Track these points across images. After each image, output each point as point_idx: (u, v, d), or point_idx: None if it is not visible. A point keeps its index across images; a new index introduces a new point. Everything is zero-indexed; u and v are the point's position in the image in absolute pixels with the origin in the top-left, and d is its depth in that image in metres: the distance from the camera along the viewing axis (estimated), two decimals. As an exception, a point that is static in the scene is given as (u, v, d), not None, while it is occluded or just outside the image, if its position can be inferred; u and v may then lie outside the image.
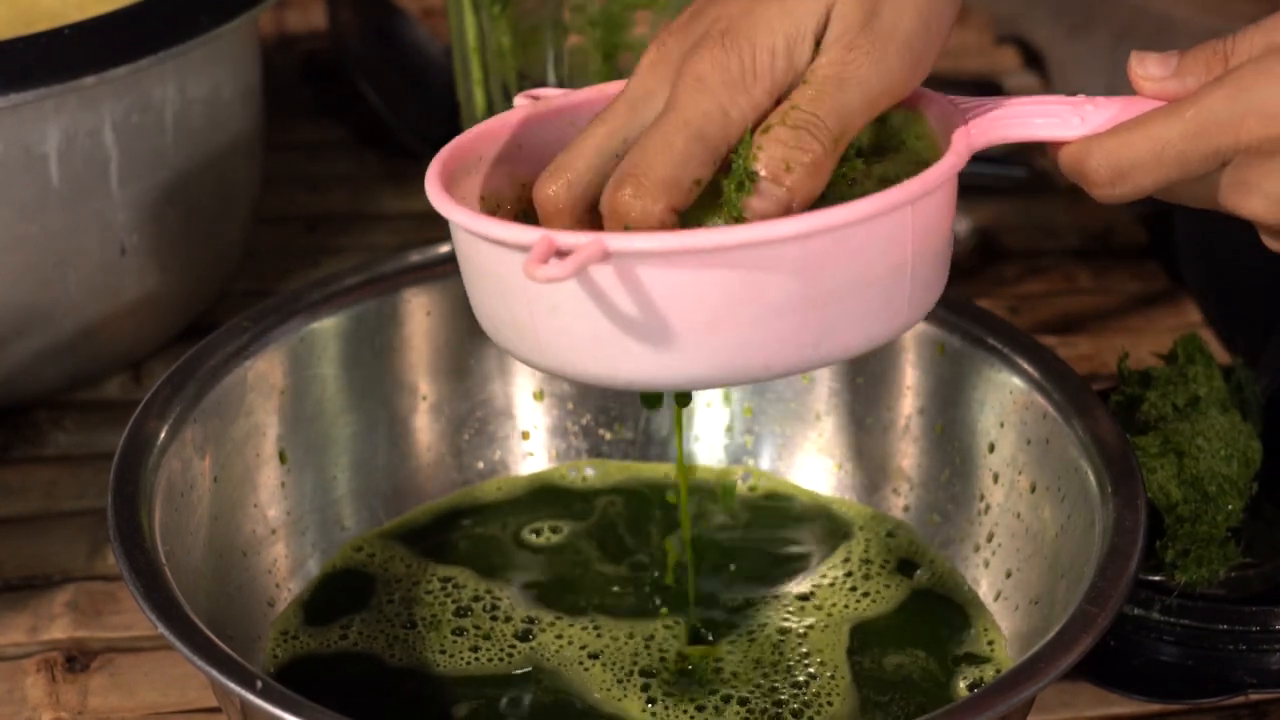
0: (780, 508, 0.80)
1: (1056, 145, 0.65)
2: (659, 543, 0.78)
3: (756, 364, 0.61)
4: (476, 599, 0.75)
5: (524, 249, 0.59)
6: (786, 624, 0.74)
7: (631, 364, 0.60)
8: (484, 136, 0.68)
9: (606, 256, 0.58)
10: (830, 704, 0.71)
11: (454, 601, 0.75)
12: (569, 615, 0.74)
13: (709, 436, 0.83)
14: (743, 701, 0.71)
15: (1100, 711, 0.75)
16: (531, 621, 0.74)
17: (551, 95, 0.69)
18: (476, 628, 0.74)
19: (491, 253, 0.61)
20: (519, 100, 0.69)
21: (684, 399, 0.76)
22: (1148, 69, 0.65)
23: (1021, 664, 0.62)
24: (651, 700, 0.71)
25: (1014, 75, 1.20)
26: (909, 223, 0.61)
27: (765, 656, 0.73)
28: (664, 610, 0.75)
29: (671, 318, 0.59)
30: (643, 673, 0.72)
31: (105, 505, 0.68)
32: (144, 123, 0.85)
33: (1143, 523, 0.67)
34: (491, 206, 0.67)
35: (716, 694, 0.71)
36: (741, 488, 0.81)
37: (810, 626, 0.74)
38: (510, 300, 0.62)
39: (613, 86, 0.69)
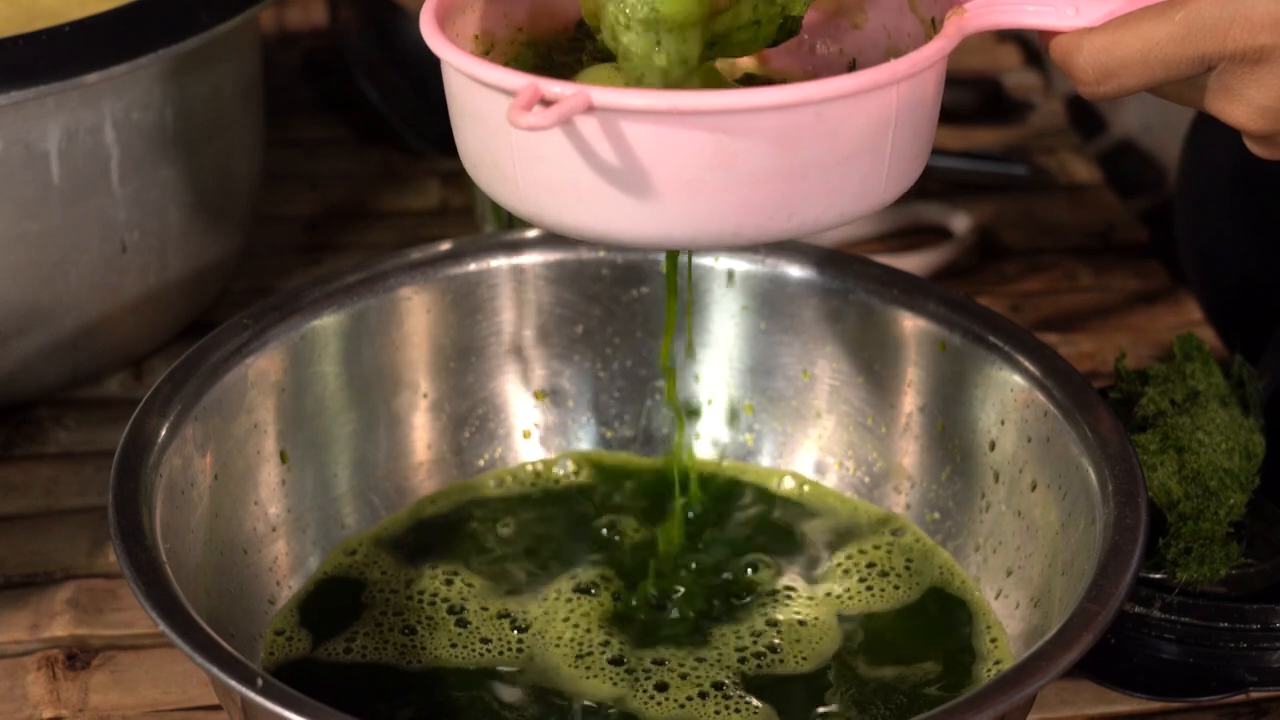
0: (780, 502, 0.80)
1: (1048, 35, 0.66)
2: (660, 534, 0.78)
3: (728, 229, 0.61)
4: (478, 594, 0.75)
5: (511, 94, 0.60)
6: (784, 616, 0.74)
7: (606, 218, 0.61)
8: None
9: (590, 109, 0.59)
10: (827, 698, 0.71)
11: (454, 597, 0.75)
12: (573, 603, 0.74)
13: (710, 434, 0.83)
14: (733, 687, 0.71)
15: (1101, 709, 0.75)
16: (536, 614, 0.74)
17: None
18: (478, 622, 0.74)
19: (480, 95, 0.62)
20: None
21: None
22: None
23: (1022, 661, 0.62)
24: (654, 684, 0.71)
25: (1014, 73, 1.20)
26: (893, 102, 0.62)
27: (762, 646, 0.73)
28: (660, 592, 0.75)
29: (649, 175, 0.60)
30: (651, 661, 0.72)
31: (106, 503, 0.68)
32: (145, 120, 0.85)
33: (1144, 520, 0.67)
34: (485, 46, 0.67)
35: (708, 677, 0.71)
36: (776, 486, 0.81)
37: (809, 620, 0.74)
38: (494, 144, 0.62)
39: None
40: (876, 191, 0.63)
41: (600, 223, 0.62)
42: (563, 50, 0.70)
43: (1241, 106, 0.63)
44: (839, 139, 0.61)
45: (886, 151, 0.62)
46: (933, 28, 0.67)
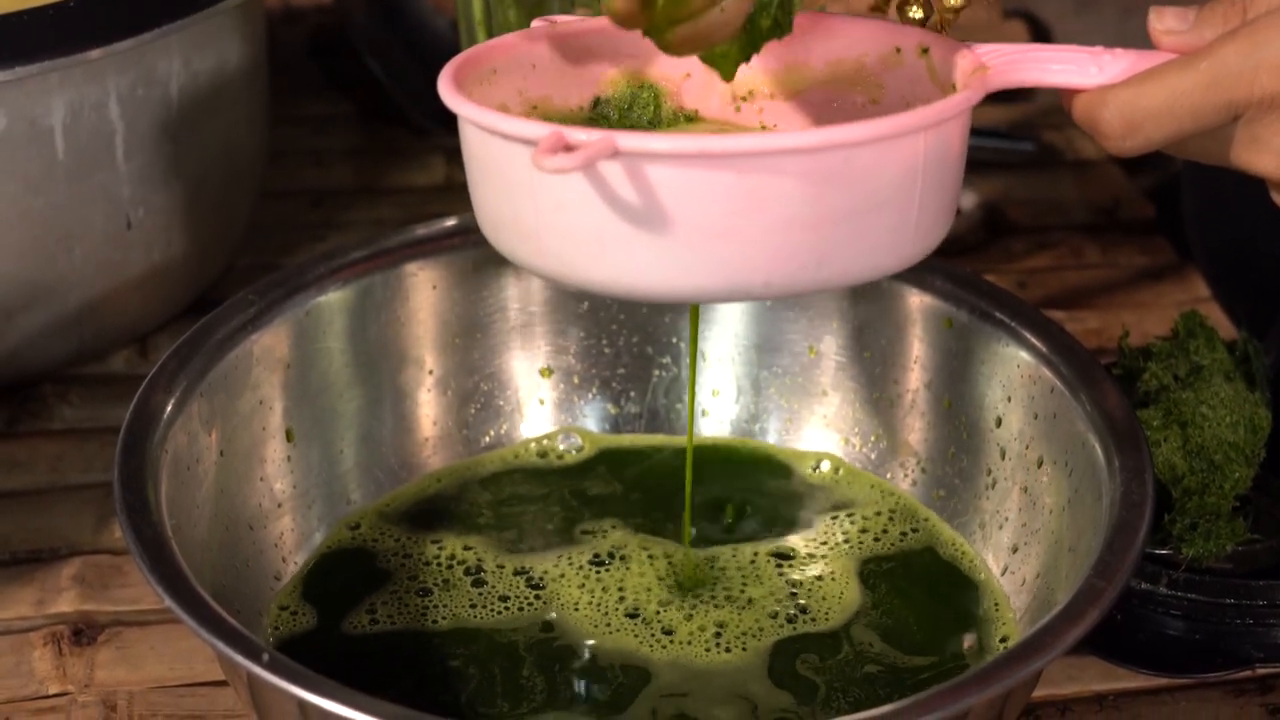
0: (785, 479, 0.80)
1: (1071, 93, 0.65)
2: (664, 507, 0.78)
3: (758, 279, 0.61)
4: (485, 565, 0.75)
5: (533, 144, 0.59)
6: (788, 593, 0.74)
7: (633, 270, 0.60)
8: (498, 50, 0.68)
9: (615, 154, 0.58)
10: (832, 676, 0.71)
11: (462, 569, 0.75)
12: (586, 572, 0.75)
13: (716, 411, 0.83)
14: (754, 644, 0.71)
15: (1107, 685, 0.75)
16: (547, 578, 0.74)
17: (568, 21, 0.70)
18: (493, 582, 0.74)
19: (500, 149, 0.61)
20: (536, 23, 0.70)
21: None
22: (1165, 22, 0.64)
23: (1028, 637, 0.62)
24: (670, 635, 0.71)
25: (1021, 50, 1.19)
26: (920, 150, 0.61)
27: (766, 618, 0.73)
28: (668, 561, 0.75)
29: (676, 223, 0.59)
30: (659, 614, 0.72)
31: (112, 479, 0.68)
32: (149, 96, 0.85)
33: (1150, 496, 0.67)
34: None
35: (722, 640, 0.71)
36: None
37: (812, 600, 0.74)
38: (516, 199, 0.62)
39: None
40: (905, 243, 0.63)
41: (627, 276, 0.61)
42: (579, 128, 0.70)
43: (1270, 156, 0.62)
44: (867, 185, 0.60)
45: (914, 201, 0.62)
46: (954, 91, 0.66)
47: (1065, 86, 0.65)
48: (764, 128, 0.72)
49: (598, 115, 0.71)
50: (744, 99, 0.71)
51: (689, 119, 0.72)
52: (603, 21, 0.69)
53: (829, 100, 0.71)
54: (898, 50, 0.69)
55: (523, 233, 0.62)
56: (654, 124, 0.71)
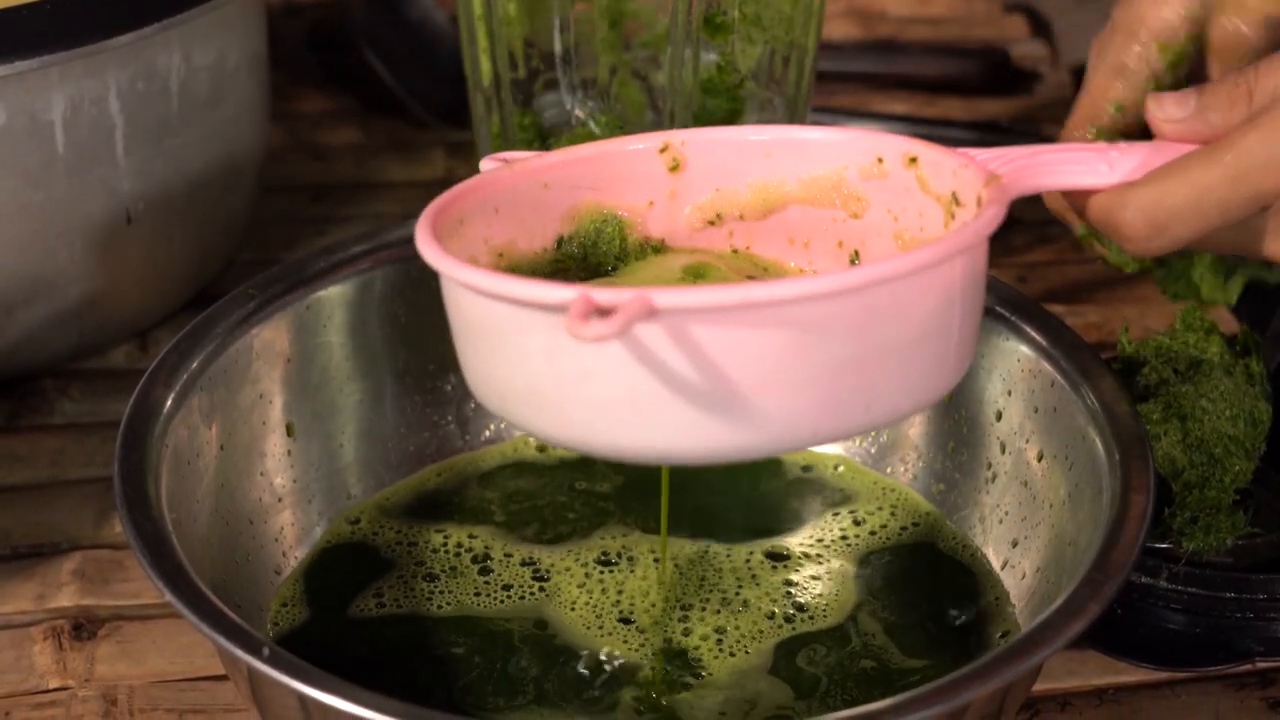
0: (785, 473, 0.80)
1: (1083, 195, 0.63)
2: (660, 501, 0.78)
3: (805, 429, 0.58)
4: (489, 558, 0.75)
5: (557, 309, 0.56)
6: (787, 590, 0.74)
7: (672, 435, 0.57)
8: (462, 198, 0.66)
9: (653, 314, 0.55)
10: (835, 668, 0.71)
11: (468, 559, 0.75)
12: (588, 568, 0.75)
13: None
14: (754, 646, 0.71)
15: (1107, 679, 0.75)
16: (546, 570, 0.74)
17: (522, 158, 0.68)
18: (500, 571, 0.74)
19: (509, 316, 0.58)
20: (486, 164, 0.68)
21: None
22: (1167, 111, 0.62)
23: (1028, 631, 0.62)
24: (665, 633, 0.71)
25: (1021, 43, 1.19)
26: (958, 275, 0.59)
27: (764, 618, 0.73)
28: (673, 563, 0.75)
29: (718, 380, 0.56)
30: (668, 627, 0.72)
31: (112, 473, 0.68)
32: (149, 90, 0.85)
33: (1150, 490, 0.67)
34: None
35: (724, 643, 0.71)
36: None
37: (811, 597, 0.74)
38: (530, 367, 0.58)
39: (583, 149, 0.68)
40: (947, 371, 0.60)
41: (665, 441, 0.57)
42: (546, 273, 0.68)
43: None
44: (910, 318, 0.58)
45: (954, 327, 0.60)
46: (955, 202, 0.65)
47: (1079, 187, 0.63)
48: (735, 251, 0.69)
49: (564, 255, 0.68)
50: (712, 223, 0.69)
51: (656, 249, 0.69)
52: (557, 156, 0.68)
53: (805, 217, 0.68)
54: (880, 161, 0.67)
55: (542, 403, 0.58)
56: (621, 258, 0.68)
